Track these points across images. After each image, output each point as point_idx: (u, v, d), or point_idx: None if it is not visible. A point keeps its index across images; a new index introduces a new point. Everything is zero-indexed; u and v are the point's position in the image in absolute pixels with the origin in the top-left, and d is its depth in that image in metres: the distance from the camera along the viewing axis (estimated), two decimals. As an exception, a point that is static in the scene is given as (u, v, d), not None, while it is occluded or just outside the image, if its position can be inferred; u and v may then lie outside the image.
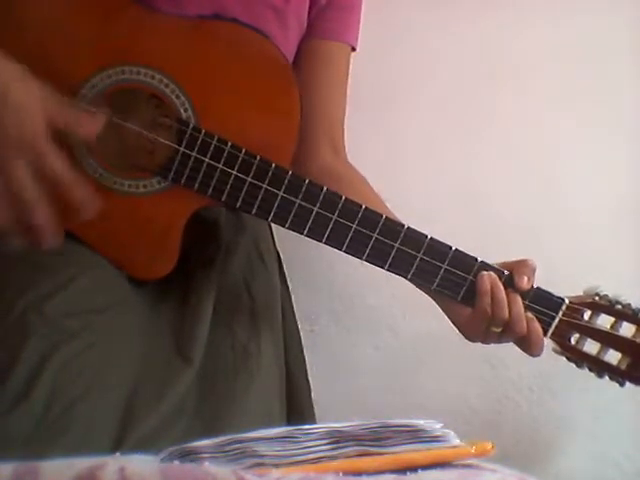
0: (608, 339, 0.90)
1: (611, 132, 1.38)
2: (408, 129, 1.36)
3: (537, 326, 0.88)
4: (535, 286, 0.90)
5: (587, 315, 0.90)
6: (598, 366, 0.90)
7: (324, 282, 1.36)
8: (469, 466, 0.55)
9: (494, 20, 1.34)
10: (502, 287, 0.88)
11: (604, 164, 1.38)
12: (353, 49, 1.08)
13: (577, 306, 0.90)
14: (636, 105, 1.38)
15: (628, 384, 0.90)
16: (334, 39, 1.04)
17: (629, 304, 0.89)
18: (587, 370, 0.91)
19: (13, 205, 0.72)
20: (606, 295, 0.90)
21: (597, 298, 0.90)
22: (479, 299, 0.88)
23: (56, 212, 0.73)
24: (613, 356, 0.90)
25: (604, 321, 0.91)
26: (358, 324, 1.37)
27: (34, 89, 0.73)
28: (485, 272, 0.88)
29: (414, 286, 0.93)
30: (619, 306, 0.89)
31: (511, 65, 1.36)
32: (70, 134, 0.76)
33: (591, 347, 0.91)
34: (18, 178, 0.71)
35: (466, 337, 0.93)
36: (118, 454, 0.64)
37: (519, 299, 0.88)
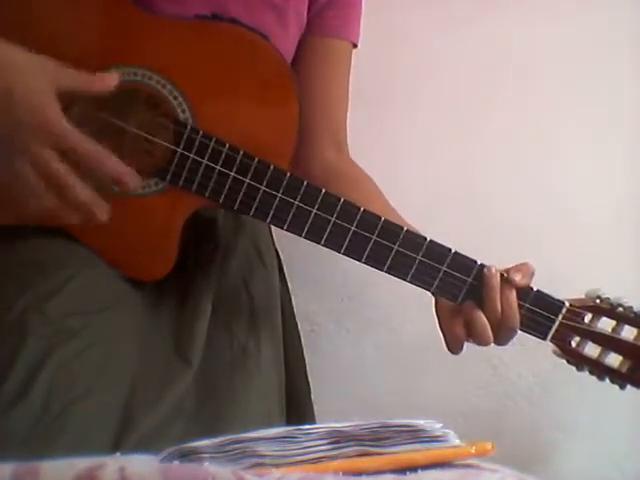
0: (609, 342, 0.89)
1: (611, 132, 1.38)
2: (408, 129, 1.36)
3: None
4: (535, 289, 0.89)
5: (588, 318, 0.90)
6: (599, 369, 0.90)
7: (324, 282, 1.36)
8: (469, 466, 0.55)
9: (494, 20, 1.34)
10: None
11: (604, 164, 1.38)
12: (354, 46, 1.08)
13: (578, 309, 0.89)
14: (636, 105, 1.38)
15: (629, 387, 0.89)
16: (335, 36, 1.04)
17: (631, 307, 0.88)
18: (587, 373, 0.91)
19: (52, 189, 0.73)
20: (608, 298, 0.89)
21: (598, 301, 0.89)
22: (486, 293, 0.87)
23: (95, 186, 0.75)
24: (614, 359, 0.90)
25: (606, 324, 0.90)
26: (358, 324, 1.37)
27: (38, 68, 0.73)
28: (491, 267, 0.88)
29: (414, 286, 0.93)
30: (621, 309, 0.88)
31: (511, 65, 1.36)
32: (86, 93, 0.77)
33: (592, 350, 0.90)
34: (46, 163, 0.72)
35: (450, 348, 0.93)
36: (118, 454, 0.64)
37: (513, 294, 0.87)
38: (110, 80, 0.78)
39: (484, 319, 0.87)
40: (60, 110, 0.73)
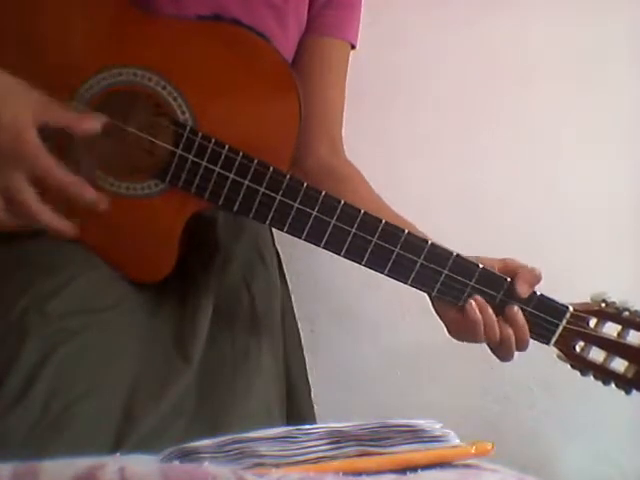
0: (614, 347, 0.88)
1: (611, 132, 1.38)
2: (408, 129, 1.36)
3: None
4: (539, 293, 0.89)
5: (593, 322, 0.89)
6: (604, 374, 0.89)
7: (324, 282, 1.36)
8: (469, 466, 0.55)
9: (494, 20, 1.34)
10: (491, 313, 0.87)
11: (604, 164, 1.38)
12: (353, 47, 1.08)
13: (582, 314, 0.88)
14: (636, 105, 1.38)
15: (635, 392, 0.89)
16: (333, 36, 1.04)
17: (636, 311, 0.88)
18: (592, 378, 0.90)
19: (18, 215, 0.76)
20: (613, 302, 0.88)
21: (604, 305, 0.88)
22: (470, 326, 0.87)
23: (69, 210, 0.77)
24: (619, 364, 0.89)
25: (611, 329, 0.89)
26: (358, 324, 1.37)
27: (23, 97, 0.75)
28: (472, 300, 0.87)
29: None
30: (626, 313, 0.88)
31: (511, 66, 1.36)
32: (71, 133, 0.77)
33: (597, 355, 0.90)
34: (15, 187, 0.74)
35: (454, 337, 0.93)
36: (118, 454, 0.65)
37: (513, 316, 0.87)
38: (93, 124, 0.79)
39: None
40: (37, 138, 0.74)
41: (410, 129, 1.36)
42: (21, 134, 0.74)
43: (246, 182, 0.84)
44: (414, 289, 0.90)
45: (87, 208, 0.78)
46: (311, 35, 1.03)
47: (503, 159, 1.37)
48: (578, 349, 0.90)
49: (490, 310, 0.87)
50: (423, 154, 1.37)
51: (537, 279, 0.89)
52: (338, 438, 0.53)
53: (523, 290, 0.87)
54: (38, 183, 0.75)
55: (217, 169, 0.83)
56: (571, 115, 1.37)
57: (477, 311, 0.87)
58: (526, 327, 0.88)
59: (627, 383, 0.89)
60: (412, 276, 0.87)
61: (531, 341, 0.90)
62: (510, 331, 0.87)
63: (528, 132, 1.37)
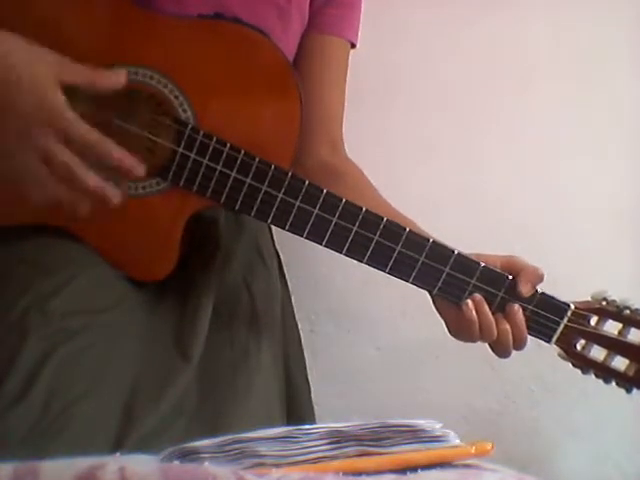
0: (615, 345, 0.88)
1: (611, 132, 1.38)
2: (408, 129, 1.36)
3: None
4: (540, 291, 0.89)
5: (594, 321, 0.89)
6: (605, 373, 0.89)
7: (324, 282, 1.36)
8: (469, 466, 0.55)
9: (494, 20, 1.34)
10: (488, 312, 0.87)
11: (604, 164, 1.38)
12: (353, 46, 1.08)
13: (583, 312, 0.88)
14: (636, 105, 1.38)
15: (635, 390, 0.89)
16: (334, 34, 1.04)
17: (637, 309, 0.88)
18: (593, 377, 0.90)
19: (57, 177, 0.73)
20: (614, 300, 0.88)
21: (604, 303, 0.88)
22: (466, 325, 0.87)
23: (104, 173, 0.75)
24: (620, 362, 0.89)
25: (612, 327, 0.89)
26: (358, 324, 1.37)
27: (44, 57, 0.73)
28: (469, 300, 0.87)
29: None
30: (627, 311, 0.87)
31: (511, 66, 1.36)
32: (94, 89, 0.76)
33: (598, 353, 0.90)
34: (52, 151, 0.72)
35: (453, 336, 0.93)
36: (118, 454, 0.64)
37: (512, 315, 0.87)
38: (117, 78, 0.77)
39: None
40: (64, 100, 0.73)
41: (410, 129, 1.36)
42: (47, 94, 0.71)
43: (248, 180, 0.84)
44: (414, 289, 0.90)
45: (115, 172, 0.75)
46: (311, 33, 1.03)
47: (503, 159, 1.37)
48: (579, 347, 0.90)
49: (487, 309, 0.87)
50: (423, 154, 1.37)
51: (540, 279, 0.89)
52: (338, 438, 0.53)
53: (526, 289, 0.87)
54: (69, 146, 0.73)
55: (219, 167, 0.83)
56: (571, 115, 1.37)
57: (473, 311, 0.87)
58: (524, 326, 0.88)
59: (628, 381, 0.89)
60: (413, 274, 0.87)
61: (531, 340, 0.90)
62: (508, 328, 0.87)
63: (528, 132, 1.37)
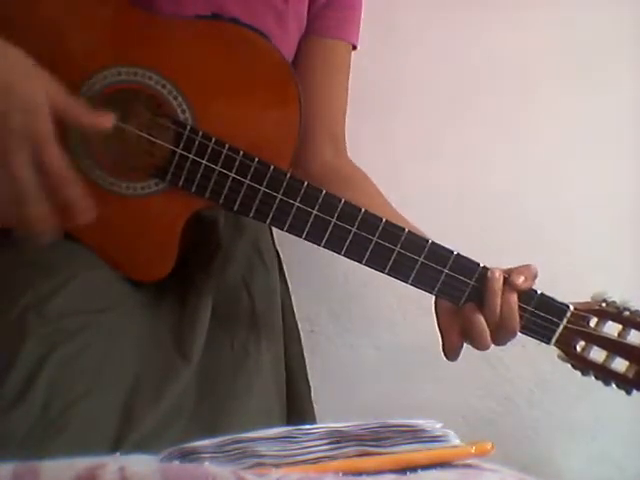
0: (615, 347, 0.88)
1: (611, 133, 1.38)
2: (409, 130, 1.36)
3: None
4: (539, 292, 0.89)
5: (593, 322, 0.89)
6: (604, 374, 0.89)
7: (324, 282, 1.36)
8: (469, 466, 0.55)
9: (495, 21, 1.34)
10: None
11: (604, 164, 1.38)
12: (354, 48, 1.08)
13: (583, 313, 0.88)
14: (636, 105, 1.38)
15: (635, 392, 0.89)
16: (334, 37, 1.04)
17: (637, 311, 0.87)
18: (593, 378, 0.90)
19: (12, 194, 0.72)
20: (614, 302, 0.88)
21: (604, 304, 0.88)
22: (488, 298, 0.86)
23: (54, 209, 0.73)
24: (620, 364, 0.89)
25: (612, 328, 0.89)
26: (358, 324, 1.37)
27: (41, 80, 0.73)
28: (494, 270, 0.87)
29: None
30: (627, 313, 0.87)
31: (511, 66, 1.36)
32: (80, 127, 0.76)
33: (597, 355, 0.89)
34: (17, 166, 0.71)
35: (448, 351, 0.93)
36: (118, 454, 0.65)
37: (514, 297, 0.87)
38: (103, 121, 0.76)
39: (484, 324, 0.87)
40: (50, 121, 0.71)
41: (411, 130, 1.36)
42: (36, 112, 0.71)
43: (246, 181, 0.84)
44: (414, 290, 0.90)
45: (72, 210, 0.74)
46: (312, 36, 1.03)
47: (503, 159, 1.37)
48: (579, 349, 0.89)
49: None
50: (424, 154, 1.37)
51: (532, 271, 0.88)
52: (338, 438, 0.53)
53: (519, 280, 0.86)
54: (38, 170, 0.71)
55: (217, 168, 0.83)
56: (571, 115, 1.37)
57: (500, 281, 0.86)
58: (517, 313, 0.87)
59: (628, 383, 0.88)
60: (412, 275, 0.87)
61: (531, 341, 0.90)
62: (512, 302, 0.86)
63: (528, 132, 1.37)
